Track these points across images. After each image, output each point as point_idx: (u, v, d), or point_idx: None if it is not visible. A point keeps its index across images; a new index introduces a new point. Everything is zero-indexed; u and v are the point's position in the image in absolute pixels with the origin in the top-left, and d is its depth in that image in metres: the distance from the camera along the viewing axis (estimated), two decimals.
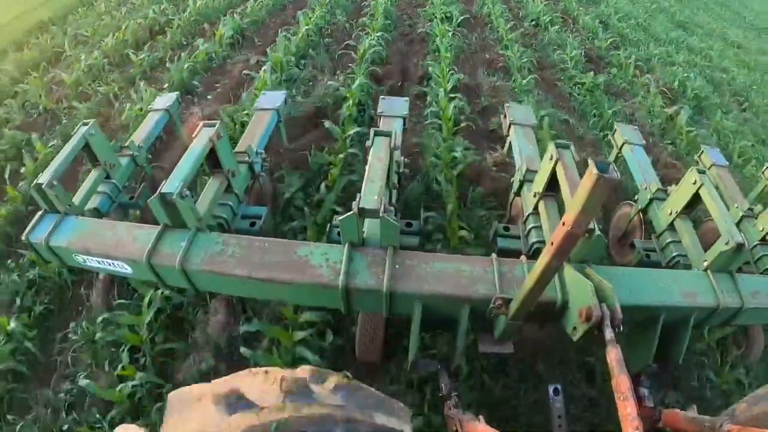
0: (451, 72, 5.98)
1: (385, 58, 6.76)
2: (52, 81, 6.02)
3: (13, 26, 7.88)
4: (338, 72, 6.04)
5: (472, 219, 3.83)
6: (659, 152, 5.46)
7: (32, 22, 7.83)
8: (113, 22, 7.67)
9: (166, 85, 5.58)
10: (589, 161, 1.36)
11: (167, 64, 6.05)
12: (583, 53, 7.55)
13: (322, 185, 3.90)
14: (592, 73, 6.84)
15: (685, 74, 7.65)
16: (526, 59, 6.92)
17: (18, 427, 2.73)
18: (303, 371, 1.42)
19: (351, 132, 4.51)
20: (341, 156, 4.11)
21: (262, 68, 5.67)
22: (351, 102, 4.96)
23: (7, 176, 4.37)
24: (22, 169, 4.28)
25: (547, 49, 7.95)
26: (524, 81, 6.17)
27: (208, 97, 5.56)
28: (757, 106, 8.08)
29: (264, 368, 1.40)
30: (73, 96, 5.60)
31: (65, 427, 2.77)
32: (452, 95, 5.41)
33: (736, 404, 1.94)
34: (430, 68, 6.21)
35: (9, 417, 2.83)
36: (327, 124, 4.59)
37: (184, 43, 7.01)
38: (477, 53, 7.45)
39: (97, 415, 2.77)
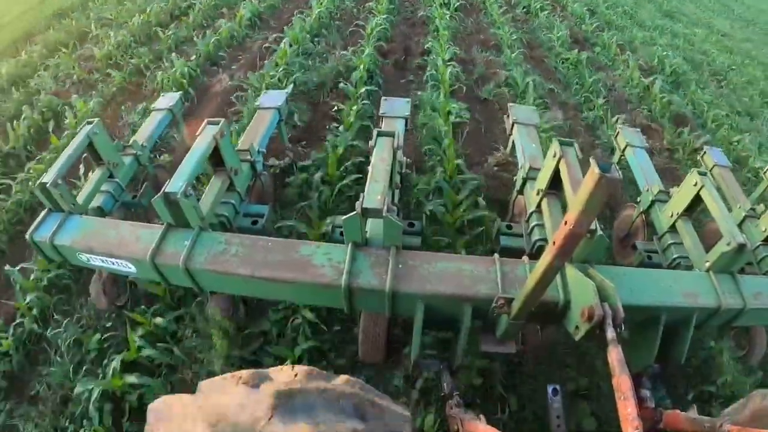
0: (448, 46, 6.64)
1: (390, 37, 7.44)
2: (80, 57, 6.56)
3: (35, 12, 8.44)
4: (349, 47, 6.69)
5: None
6: (636, 115, 6.14)
7: (52, 10, 8.35)
8: (135, 6, 8.27)
9: (193, 57, 6.21)
10: (591, 161, 1.35)
11: (194, 39, 6.68)
12: (569, 35, 8.18)
13: (341, 127, 4.60)
14: (576, 51, 7.49)
15: (665, 53, 8.28)
16: (516, 37, 7.59)
17: (64, 322, 3.07)
18: (299, 374, 1.36)
19: (362, 90, 5.23)
20: (355, 108, 4.80)
21: (282, 42, 6.33)
22: (362, 67, 5.67)
23: (50, 130, 4.97)
24: (66, 122, 4.90)
25: (537, 32, 8.61)
26: (513, 55, 6.83)
27: (233, 67, 6.22)
28: (735, 84, 8.68)
29: (254, 371, 1.34)
30: (104, 67, 6.18)
31: (109, 324, 3.09)
32: (449, 63, 6.08)
33: (749, 395, 1.97)
34: (429, 44, 6.88)
35: (56, 316, 3.15)
36: (342, 84, 5.28)
37: (206, 24, 7.64)
38: (472, 35, 8.11)
39: (143, 306, 3.14)
